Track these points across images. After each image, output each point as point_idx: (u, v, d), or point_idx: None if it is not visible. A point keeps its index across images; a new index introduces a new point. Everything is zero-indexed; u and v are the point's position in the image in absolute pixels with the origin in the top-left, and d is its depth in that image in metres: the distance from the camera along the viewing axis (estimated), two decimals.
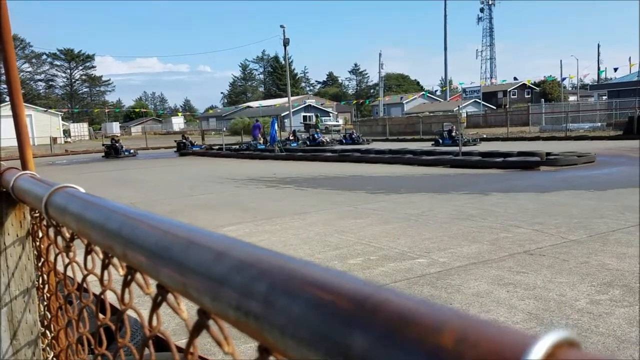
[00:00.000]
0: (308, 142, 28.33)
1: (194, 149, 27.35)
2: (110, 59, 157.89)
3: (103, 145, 28.45)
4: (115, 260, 0.67)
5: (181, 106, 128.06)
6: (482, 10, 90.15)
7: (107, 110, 79.45)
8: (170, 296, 0.46)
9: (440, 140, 24.46)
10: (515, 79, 62.27)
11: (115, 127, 68.80)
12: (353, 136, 29.97)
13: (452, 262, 4.88)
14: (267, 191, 10.83)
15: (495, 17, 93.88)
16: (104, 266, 0.69)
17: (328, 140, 29.22)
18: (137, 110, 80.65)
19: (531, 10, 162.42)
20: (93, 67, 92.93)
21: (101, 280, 0.71)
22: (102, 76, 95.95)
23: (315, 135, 29.21)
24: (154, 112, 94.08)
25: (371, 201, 8.75)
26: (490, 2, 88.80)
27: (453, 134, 24.12)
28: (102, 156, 26.97)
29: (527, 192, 9.04)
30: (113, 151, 26.51)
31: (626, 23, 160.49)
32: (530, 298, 3.86)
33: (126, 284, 0.56)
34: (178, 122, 77.50)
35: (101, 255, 0.71)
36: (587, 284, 4.09)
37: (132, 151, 27.39)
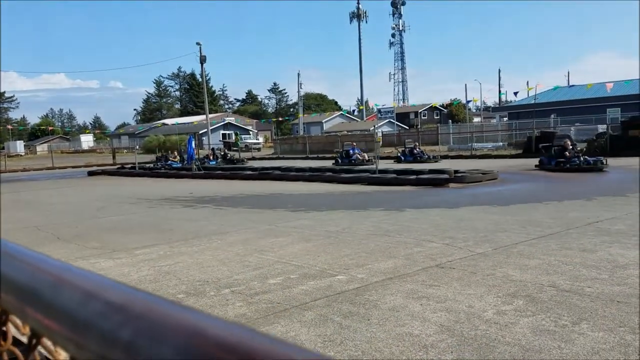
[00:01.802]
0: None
1: (173, 165, 25.54)
2: (14, 75, 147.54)
3: None
4: None
5: (91, 123, 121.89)
6: (393, 35, 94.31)
7: (10, 128, 73.84)
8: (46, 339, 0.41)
9: (402, 158, 24.49)
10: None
11: (19, 146, 64.02)
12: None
13: (370, 278, 4.97)
14: (184, 211, 10.50)
15: (405, 43, 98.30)
16: None
17: None
18: (42, 127, 75.62)
19: (439, 39, 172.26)
20: None
21: None
22: (4, 92, 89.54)
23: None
24: (62, 130, 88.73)
25: (292, 219, 8.75)
26: (401, 29, 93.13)
27: (415, 151, 24.42)
28: None
29: (438, 207, 9.46)
30: None
31: (523, 52, 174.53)
32: (442, 310, 4.01)
33: (0, 323, 0.50)
34: (87, 140, 73.55)
35: None
36: (493, 295, 4.32)
37: None
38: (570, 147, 16.71)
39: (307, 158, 32.29)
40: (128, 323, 0.26)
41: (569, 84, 54.66)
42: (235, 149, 44.59)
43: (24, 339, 0.46)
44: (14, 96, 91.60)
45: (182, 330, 0.23)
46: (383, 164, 19.37)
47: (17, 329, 0.49)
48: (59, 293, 0.33)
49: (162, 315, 0.25)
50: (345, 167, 21.01)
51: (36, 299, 0.35)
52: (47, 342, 0.42)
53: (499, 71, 79.15)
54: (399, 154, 25.30)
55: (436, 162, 22.99)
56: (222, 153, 30.92)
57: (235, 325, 0.25)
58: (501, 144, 32.36)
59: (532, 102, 43.37)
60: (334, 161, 25.11)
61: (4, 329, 0.54)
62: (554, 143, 18.18)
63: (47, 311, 0.33)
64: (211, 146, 35.33)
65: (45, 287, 0.35)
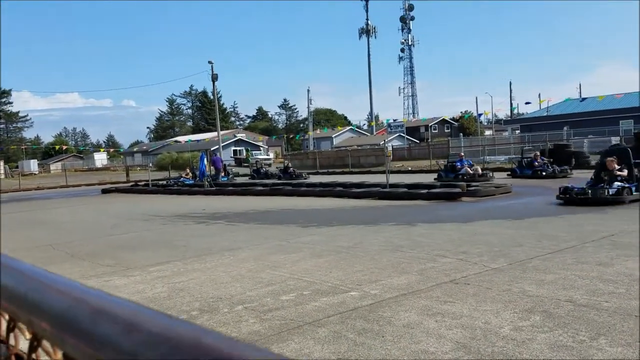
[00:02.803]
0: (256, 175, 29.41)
1: (186, 182, 25.23)
2: (28, 94, 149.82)
3: None
4: (21, 325, 0.61)
5: (104, 141, 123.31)
6: (402, 50, 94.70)
7: (24, 148, 74.90)
8: None
9: (518, 171, 20.17)
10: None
11: (33, 165, 64.84)
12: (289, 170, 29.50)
13: (383, 294, 4.93)
14: (197, 228, 10.54)
15: (415, 57, 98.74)
16: (9, 329, 0.63)
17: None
18: (56, 147, 76.58)
19: (448, 52, 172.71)
20: (9, 102, 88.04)
21: (7, 343, 0.65)
22: (19, 112, 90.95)
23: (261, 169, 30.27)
24: (75, 149, 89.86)
25: (303, 235, 8.74)
26: (410, 43, 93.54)
27: (536, 162, 19.70)
28: None
29: (450, 222, 9.40)
30: None
31: (534, 64, 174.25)
32: (457, 327, 3.97)
33: (32, 349, 0.52)
34: (101, 158, 74.30)
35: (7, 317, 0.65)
36: (509, 311, 4.27)
37: None
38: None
39: (317, 173, 32.32)
40: (176, 354, 0.27)
41: (580, 96, 54.39)
42: (246, 165, 44.81)
43: None
44: (27, 115, 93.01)
45: None
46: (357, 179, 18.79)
47: (48, 356, 0.50)
48: (99, 322, 0.34)
49: (208, 347, 0.26)
50: (449, 182, 17.06)
51: (75, 327, 0.36)
52: None
53: (510, 84, 79.02)
54: (514, 167, 21.40)
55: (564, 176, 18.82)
56: (283, 167, 30.10)
57: (275, 355, 0.25)
58: (514, 156, 32.17)
59: (545, 114, 43.21)
60: (436, 176, 20.72)
61: (35, 354, 0.55)
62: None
63: (88, 339, 0.34)
64: (223, 162, 35.47)
65: (85, 315, 0.36)
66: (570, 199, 11.00)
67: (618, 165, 11.36)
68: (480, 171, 19.74)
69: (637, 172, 11.34)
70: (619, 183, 11.03)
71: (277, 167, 31.10)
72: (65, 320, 0.39)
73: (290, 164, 31.36)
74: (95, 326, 0.35)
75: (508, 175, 20.41)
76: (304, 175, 28.02)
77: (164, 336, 0.28)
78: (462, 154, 22.23)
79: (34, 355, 0.53)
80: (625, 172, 11.23)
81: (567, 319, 4.00)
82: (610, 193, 10.82)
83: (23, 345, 0.61)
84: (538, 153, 20.46)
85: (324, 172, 32.59)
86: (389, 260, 6.35)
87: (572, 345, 3.51)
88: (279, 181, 24.47)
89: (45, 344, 0.50)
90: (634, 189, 10.96)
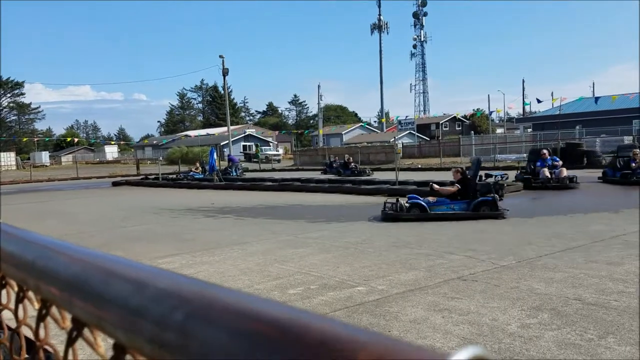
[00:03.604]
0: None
1: (195, 176, 24.39)
2: (40, 86, 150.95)
3: None
4: (30, 294, 0.62)
5: (115, 135, 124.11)
6: (414, 46, 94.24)
7: (36, 139, 75.62)
8: (87, 330, 0.43)
9: (610, 173, 15.97)
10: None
11: (44, 157, 65.46)
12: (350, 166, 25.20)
13: (390, 290, 4.93)
14: (206, 221, 10.59)
15: (427, 54, 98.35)
16: (19, 300, 0.64)
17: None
18: (68, 139, 77.25)
19: (461, 49, 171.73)
20: (22, 94, 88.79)
21: (16, 314, 0.66)
22: (31, 103, 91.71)
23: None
24: (86, 141, 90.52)
25: (311, 230, 8.75)
26: (422, 40, 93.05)
27: (634, 163, 14.95)
28: None
29: (459, 219, 9.35)
30: None
31: (547, 63, 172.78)
32: (464, 323, 3.96)
33: (40, 318, 0.52)
34: (111, 151, 74.86)
35: (16, 288, 0.66)
36: (517, 309, 4.25)
37: None
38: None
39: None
40: (181, 306, 0.27)
41: (594, 95, 53.87)
42: (255, 160, 44.89)
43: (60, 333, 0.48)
44: (39, 107, 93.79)
45: (234, 311, 0.25)
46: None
47: (56, 323, 0.50)
48: (111, 283, 0.35)
49: (213, 298, 0.27)
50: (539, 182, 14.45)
51: (85, 289, 0.37)
52: (87, 334, 0.44)
53: (523, 81, 78.51)
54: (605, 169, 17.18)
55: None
56: (343, 162, 25.96)
57: (285, 306, 0.26)
58: (525, 155, 31.96)
59: (557, 113, 42.82)
60: (517, 172, 16.44)
61: (44, 323, 0.56)
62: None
63: (97, 300, 0.35)
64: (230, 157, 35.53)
65: (96, 279, 0.37)
66: None
67: None
68: (565, 173, 14.45)
69: None
70: None
71: (339, 162, 26.95)
72: (75, 283, 0.39)
73: (351, 158, 26.88)
74: (106, 287, 0.35)
75: (599, 179, 16.06)
76: (367, 171, 24.42)
77: (170, 291, 0.29)
78: (545, 151, 15.47)
79: (42, 326, 0.54)
80: None
81: (576, 317, 3.98)
82: None
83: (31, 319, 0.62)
84: (638, 151, 15.10)
85: None
86: (397, 257, 6.35)
87: (580, 343, 3.49)
88: (338, 177, 21.67)
89: (54, 311, 0.50)
90: None
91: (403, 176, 18.67)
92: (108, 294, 0.34)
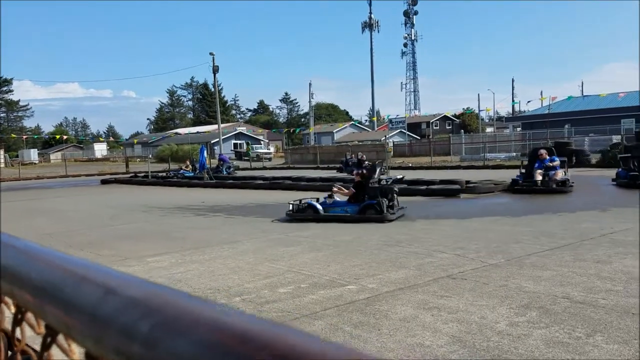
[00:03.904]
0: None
1: (185, 174, 23.96)
2: (29, 83, 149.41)
3: None
4: (8, 298, 0.61)
5: (104, 132, 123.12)
6: (405, 45, 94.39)
7: (24, 137, 74.86)
8: (61, 336, 0.42)
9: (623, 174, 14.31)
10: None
11: (33, 154, 64.86)
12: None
13: (381, 288, 4.94)
14: (196, 220, 10.54)
15: (417, 52, 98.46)
16: None
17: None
18: (57, 136, 76.57)
19: (451, 48, 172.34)
20: (10, 91, 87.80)
21: None
22: (19, 101, 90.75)
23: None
24: (75, 139, 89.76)
25: (302, 229, 8.74)
26: (413, 38, 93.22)
27: None
28: None
29: (449, 218, 9.40)
30: None
31: (537, 62, 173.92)
32: (453, 321, 3.97)
33: (16, 322, 0.51)
34: (100, 149, 74.28)
35: None
36: (506, 307, 4.27)
37: None
38: None
39: (317, 168, 32.31)
40: (148, 316, 0.26)
41: (582, 94, 54.30)
42: (246, 158, 44.76)
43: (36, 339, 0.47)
44: (28, 105, 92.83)
45: (201, 322, 0.24)
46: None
47: (31, 328, 0.49)
48: (80, 289, 0.34)
49: (180, 308, 0.26)
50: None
51: (56, 296, 0.36)
52: (62, 341, 0.43)
53: (513, 81, 78.81)
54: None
55: None
56: (357, 160, 24.47)
57: (253, 317, 0.25)
58: (514, 154, 32.14)
59: (546, 112, 43.12)
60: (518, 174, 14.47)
61: (20, 328, 0.54)
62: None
63: (67, 308, 0.34)
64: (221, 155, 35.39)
65: (66, 284, 0.36)
66: None
67: None
68: (559, 175, 13.28)
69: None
70: None
71: (352, 159, 25.91)
72: (47, 289, 0.38)
73: (364, 156, 25.95)
74: (75, 294, 0.34)
75: (613, 181, 14.80)
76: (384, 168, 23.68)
77: (138, 299, 0.28)
78: (543, 151, 14.03)
79: (18, 330, 0.53)
80: None
81: (564, 316, 4.00)
82: None
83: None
84: None
85: (324, 167, 32.58)
86: (387, 255, 6.36)
87: (568, 341, 3.51)
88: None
89: (30, 316, 0.49)
90: None
91: (394, 175, 18.67)
92: (77, 301, 0.33)
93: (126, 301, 0.29)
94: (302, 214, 9.79)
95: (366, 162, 23.68)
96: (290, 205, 9.94)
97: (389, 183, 11.32)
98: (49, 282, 0.38)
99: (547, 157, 13.71)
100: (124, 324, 0.27)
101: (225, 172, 26.48)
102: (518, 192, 13.39)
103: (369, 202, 9.53)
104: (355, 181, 10.21)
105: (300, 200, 10.10)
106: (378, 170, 10.76)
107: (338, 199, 10.05)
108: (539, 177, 13.40)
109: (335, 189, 10.38)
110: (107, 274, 0.35)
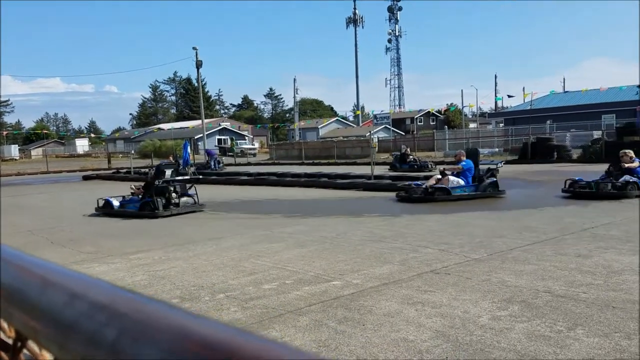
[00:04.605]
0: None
1: None
2: (9, 78, 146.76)
3: None
4: None
5: (86, 128, 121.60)
6: (389, 41, 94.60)
7: (5, 133, 73.67)
8: (31, 341, 0.41)
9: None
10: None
11: (13, 150, 63.80)
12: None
13: (365, 284, 4.96)
14: (179, 216, 10.46)
15: (402, 48, 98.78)
16: None
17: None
18: (38, 132, 75.39)
19: (435, 44, 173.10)
20: None
21: None
22: None
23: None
24: (56, 134, 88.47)
25: (287, 225, 8.73)
26: (397, 34, 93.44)
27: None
28: None
29: (433, 214, 9.46)
30: None
31: (519, 58, 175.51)
32: (437, 316, 4.00)
33: None
34: (82, 145, 73.37)
35: None
36: (488, 301, 4.31)
37: None
38: None
39: (302, 164, 32.29)
40: (114, 322, 0.25)
41: (564, 89, 54.96)
42: (230, 154, 44.52)
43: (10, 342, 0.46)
44: (8, 100, 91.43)
45: (167, 329, 0.23)
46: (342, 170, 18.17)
47: (3, 332, 0.48)
48: (44, 293, 0.32)
49: (147, 314, 0.25)
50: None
51: (22, 299, 0.35)
52: (33, 345, 0.41)
53: (495, 77, 79.45)
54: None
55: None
56: (400, 154, 22.30)
57: (220, 324, 0.24)
58: (497, 149, 32.46)
59: (528, 108, 43.59)
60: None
61: None
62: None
63: (32, 312, 0.32)
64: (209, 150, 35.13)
65: (31, 287, 0.34)
66: None
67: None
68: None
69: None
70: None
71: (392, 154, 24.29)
72: (13, 292, 0.37)
73: (408, 149, 23.11)
74: (40, 298, 0.33)
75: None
76: (429, 165, 20.88)
77: (104, 304, 0.27)
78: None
79: None
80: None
81: (545, 309, 4.05)
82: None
83: None
84: None
85: (309, 163, 32.56)
86: (372, 251, 6.38)
87: (550, 335, 3.56)
88: (399, 173, 18.42)
89: (2, 321, 0.47)
90: None
91: (379, 170, 18.75)
92: (42, 305, 0.32)
93: (92, 306, 0.28)
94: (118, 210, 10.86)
95: (411, 157, 21.33)
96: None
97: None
98: (16, 286, 0.37)
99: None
100: (89, 330, 0.26)
101: (215, 167, 26.37)
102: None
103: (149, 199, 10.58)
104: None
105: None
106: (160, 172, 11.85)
107: None
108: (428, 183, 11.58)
109: (133, 188, 11.53)
110: (74, 277, 0.33)
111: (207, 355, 0.20)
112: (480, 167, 12.12)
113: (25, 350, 0.42)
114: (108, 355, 0.24)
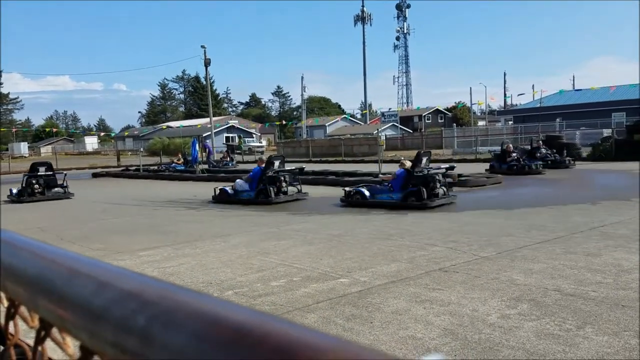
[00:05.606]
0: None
1: (177, 167, 23.94)
2: (19, 76, 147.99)
3: None
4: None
5: (95, 125, 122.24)
6: (398, 38, 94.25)
7: (14, 130, 74.21)
8: (55, 329, 0.42)
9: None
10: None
11: (23, 148, 64.32)
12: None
13: (373, 281, 4.96)
14: (188, 213, 10.51)
15: (410, 46, 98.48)
16: None
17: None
18: (47, 129, 75.85)
19: (444, 42, 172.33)
20: (0, 83, 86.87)
21: None
22: (9, 94, 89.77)
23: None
24: (66, 132, 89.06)
25: (294, 222, 8.74)
26: (405, 32, 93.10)
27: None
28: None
29: (441, 212, 9.43)
30: None
31: (529, 56, 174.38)
32: (445, 314, 4.00)
33: (9, 316, 0.51)
34: (91, 142, 73.77)
35: None
36: (497, 299, 4.30)
37: None
38: None
39: (310, 161, 32.27)
40: (143, 309, 0.26)
41: (574, 87, 54.57)
42: (238, 152, 44.61)
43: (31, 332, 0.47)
44: (18, 98, 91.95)
45: (197, 315, 0.24)
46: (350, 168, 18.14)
47: (25, 322, 0.49)
48: (73, 283, 0.33)
49: (176, 301, 0.26)
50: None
51: (49, 289, 0.36)
52: (56, 334, 0.42)
53: (505, 74, 79.01)
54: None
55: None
56: (500, 152, 18.41)
57: (250, 310, 0.25)
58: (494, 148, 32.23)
59: (538, 105, 43.34)
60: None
61: (13, 322, 0.54)
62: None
63: (60, 301, 0.33)
64: (220, 148, 35.39)
65: (58, 277, 0.35)
66: None
67: None
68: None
69: None
70: None
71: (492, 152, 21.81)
72: (39, 282, 0.38)
73: (511, 146, 18.86)
74: (68, 287, 0.34)
75: None
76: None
77: (133, 292, 0.28)
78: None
79: (11, 325, 0.52)
80: None
81: (554, 308, 4.04)
82: None
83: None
84: None
85: (316, 161, 32.55)
86: (379, 248, 6.38)
87: (559, 333, 3.55)
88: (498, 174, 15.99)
89: (23, 309, 0.49)
90: None
91: (387, 168, 18.71)
92: (70, 295, 0.33)
93: (121, 294, 0.29)
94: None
95: (515, 153, 17.96)
96: None
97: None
98: (42, 276, 0.38)
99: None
100: (119, 316, 0.27)
101: (230, 165, 26.74)
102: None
103: None
104: None
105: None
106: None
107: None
108: None
109: None
110: (100, 267, 0.35)
111: (238, 340, 0.21)
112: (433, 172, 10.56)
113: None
114: (139, 341, 0.25)
